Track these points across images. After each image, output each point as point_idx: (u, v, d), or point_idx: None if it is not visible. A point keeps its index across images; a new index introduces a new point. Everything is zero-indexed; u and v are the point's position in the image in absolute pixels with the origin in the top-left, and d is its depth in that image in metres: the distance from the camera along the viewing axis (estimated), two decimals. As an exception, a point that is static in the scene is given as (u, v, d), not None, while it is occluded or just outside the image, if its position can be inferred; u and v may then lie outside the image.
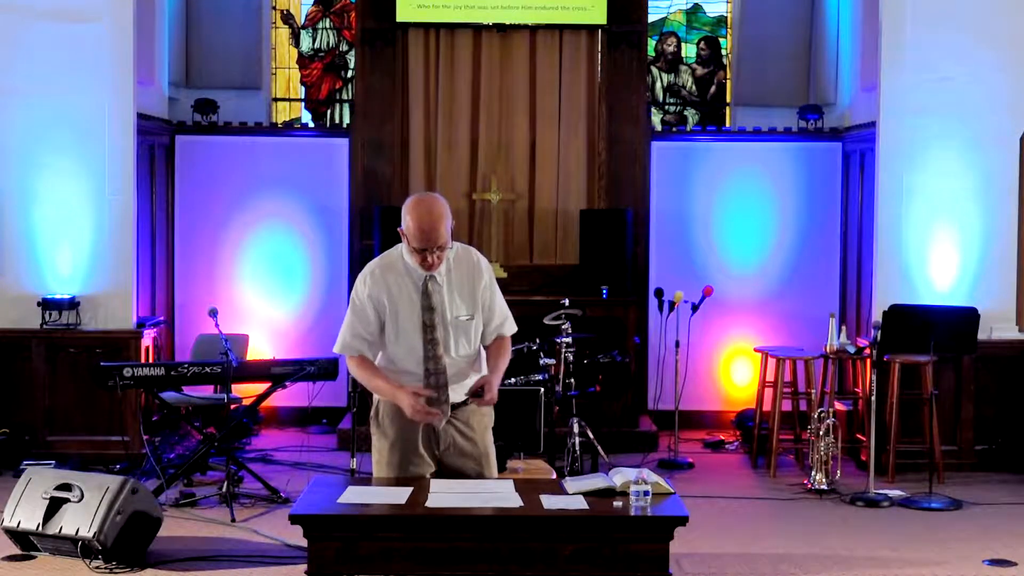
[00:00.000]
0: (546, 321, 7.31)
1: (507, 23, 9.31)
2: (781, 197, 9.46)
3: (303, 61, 10.23)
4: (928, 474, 7.33)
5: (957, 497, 7.18)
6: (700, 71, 10.25)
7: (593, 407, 7.80)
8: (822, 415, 7.38)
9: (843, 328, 7.95)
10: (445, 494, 4.09)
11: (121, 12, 7.90)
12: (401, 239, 4.36)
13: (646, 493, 3.96)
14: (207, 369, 7.00)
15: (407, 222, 4.29)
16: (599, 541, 3.89)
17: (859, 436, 8.07)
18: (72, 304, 7.87)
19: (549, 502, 4.04)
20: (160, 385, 7.05)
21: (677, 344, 8.32)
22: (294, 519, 3.91)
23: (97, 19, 7.85)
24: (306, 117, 10.22)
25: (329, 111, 10.22)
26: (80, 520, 5.59)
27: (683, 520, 3.91)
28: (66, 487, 5.71)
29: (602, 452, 7.39)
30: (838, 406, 7.92)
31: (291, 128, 9.94)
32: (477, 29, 9.36)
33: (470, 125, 9.43)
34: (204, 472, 7.34)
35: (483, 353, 4.52)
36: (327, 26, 10.23)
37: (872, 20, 8.39)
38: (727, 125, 9.98)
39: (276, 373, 7.17)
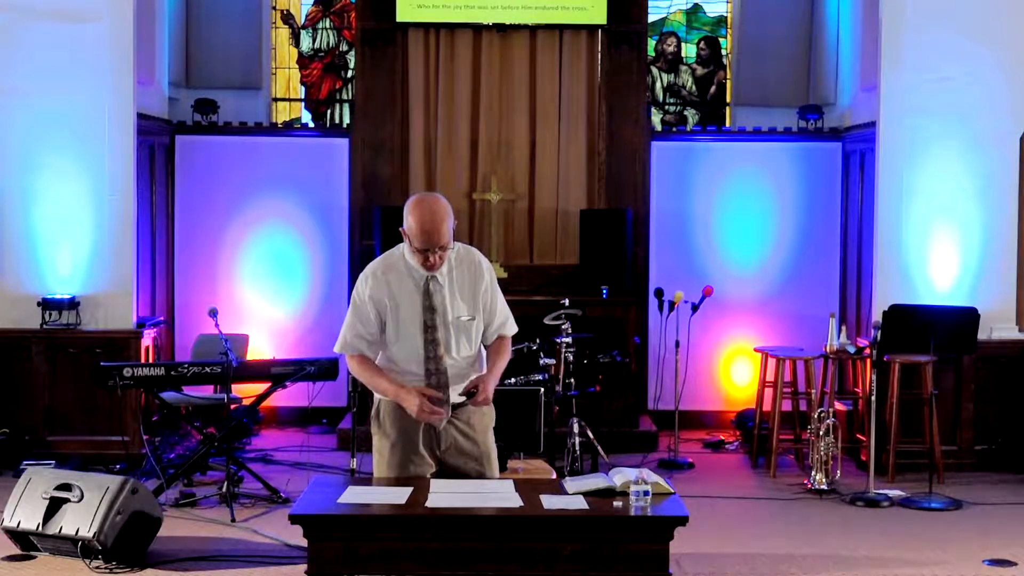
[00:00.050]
0: (546, 321, 7.31)
1: (507, 23, 9.31)
2: (781, 197, 9.46)
3: (303, 61, 10.23)
4: (928, 474, 7.33)
5: (957, 497, 7.18)
6: (700, 71, 10.26)
7: (593, 407, 7.80)
8: (822, 415, 7.38)
9: (843, 328, 7.95)
10: (445, 494, 4.09)
11: (121, 12, 7.90)
12: (403, 239, 4.36)
13: (646, 493, 3.96)
14: (207, 369, 7.00)
15: (409, 222, 4.29)
16: (599, 541, 3.89)
17: (859, 436, 8.07)
18: (72, 304, 7.87)
19: (549, 502, 4.04)
20: (160, 385, 7.05)
21: (677, 344, 8.32)
22: (294, 519, 3.91)
23: (97, 19, 7.85)
24: (306, 117, 10.22)
25: (329, 111, 10.22)
26: (80, 520, 5.59)
27: (683, 520, 3.91)
28: (66, 487, 5.71)
29: (602, 452, 7.39)
30: (838, 406, 7.92)
31: (291, 128, 9.94)
32: (477, 29, 9.37)
33: (470, 125, 9.43)
34: (204, 472, 7.34)
35: (483, 353, 4.52)
36: (327, 26, 10.24)
37: (872, 20, 8.39)
38: (727, 125, 9.98)
39: (276, 373, 7.17)
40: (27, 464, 6.94)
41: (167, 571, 5.65)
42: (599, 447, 7.36)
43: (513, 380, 6.78)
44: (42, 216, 7.91)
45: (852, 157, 9.21)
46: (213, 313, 7.03)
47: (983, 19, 7.89)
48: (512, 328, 4.56)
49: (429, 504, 3.98)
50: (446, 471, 4.43)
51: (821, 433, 7.32)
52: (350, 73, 10.09)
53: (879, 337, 7.18)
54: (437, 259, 4.30)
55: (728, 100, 10.17)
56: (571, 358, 7.28)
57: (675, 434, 8.25)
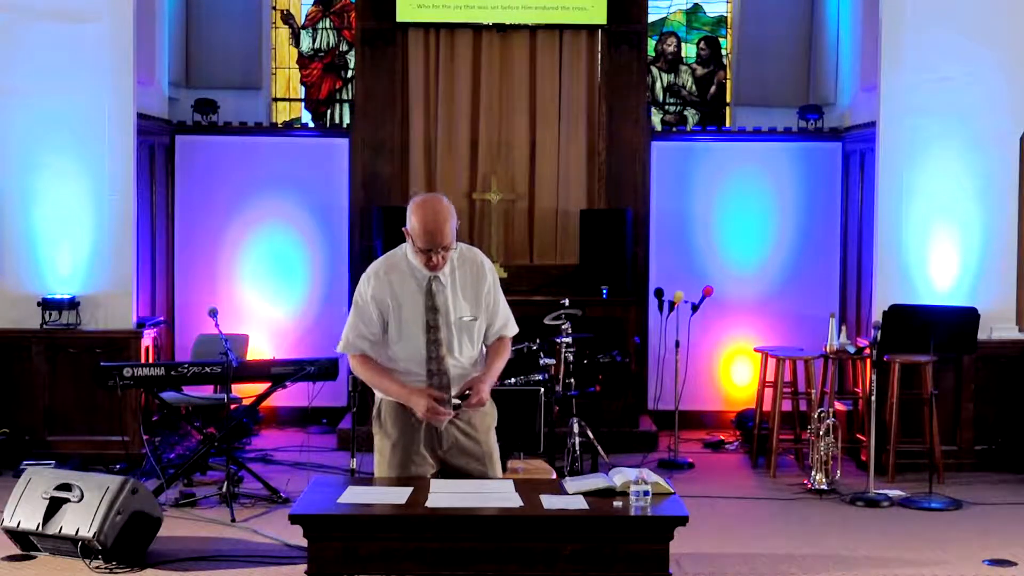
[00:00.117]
0: (546, 321, 7.31)
1: (507, 23, 9.31)
2: (781, 197, 9.46)
3: (303, 61, 10.23)
4: (928, 474, 7.33)
5: (957, 497, 7.18)
6: (700, 71, 10.26)
7: (593, 407, 7.80)
8: (822, 415, 7.38)
9: (843, 328, 7.95)
10: (445, 494, 4.09)
11: (121, 12, 7.90)
12: (406, 239, 4.36)
13: (646, 493, 3.96)
14: (207, 369, 7.00)
15: (412, 222, 4.29)
16: (599, 541, 3.89)
17: (859, 436, 8.07)
18: (72, 304, 7.87)
19: (549, 502, 4.04)
20: (160, 385, 7.05)
21: (677, 344, 8.32)
22: (294, 519, 3.91)
23: (97, 19, 7.85)
24: (306, 117, 10.22)
25: (329, 111, 10.22)
26: (80, 520, 5.59)
27: (683, 520, 3.91)
28: (66, 487, 5.71)
29: (602, 452, 7.39)
30: (838, 406, 7.92)
31: (291, 128, 9.94)
32: (477, 29, 9.37)
33: (470, 125, 9.43)
34: (204, 472, 7.34)
35: (484, 353, 4.52)
36: (327, 26, 10.23)
37: (872, 20, 8.39)
38: (727, 125, 9.98)
39: (276, 373, 7.17)
40: (27, 464, 6.94)
41: (167, 571, 5.65)
42: (599, 447, 7.36)
43: (513, 380, 6.78)
44: (42, 216, 7.91)
45: (852, 157, 9.21)
46: (213, 313, 7.03)
47: (983, 19, 7.89)
48: (513, 329, 4.56)
49: (429, 504, 3.98)
50: (449, 471, 4.43)
51: (821, 433, 7.32)
52: (350, 73, 10.09)
53: (879, 337, 7.18)
54: (440, 259, 4.30)
55: (728, 100, 10.17)
56: (571, 358, 7.28)
57: (675, 434, 8.25)
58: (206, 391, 7.62)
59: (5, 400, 7.86)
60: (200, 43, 9.83)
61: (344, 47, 10.20)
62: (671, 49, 10.23)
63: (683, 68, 10.26)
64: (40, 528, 5.66)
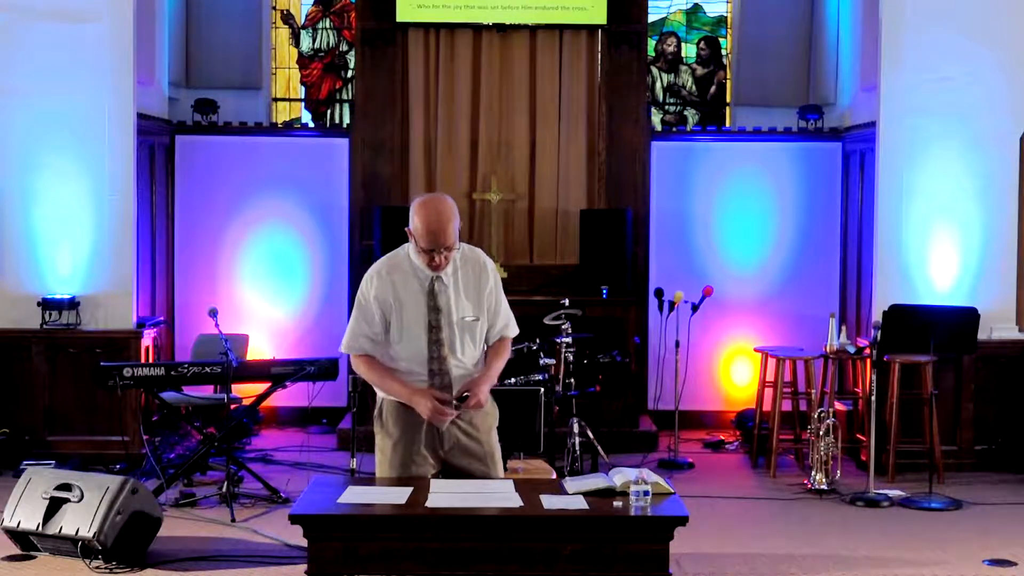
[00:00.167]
0: (546, 321, 7.31)
1: (507, 23, 9.31)
2: (781, 197, 9.46)
3: (303, 61, 10.23)
4: (928, 474, 7.33)
5: (957, 497, 7.18)
6: (700, 71, 10.25)
7: (593, 407, 7.80)
8: (822, 415, 7.38)
9: (843, 328, 7.95)
10: (445, 494, 4.09)
11: (121, 12, 7.90)
12: (408, 239, 4.37)
13: (646, 493, 3.97)
14: (207, 369, 7.00)
15: (415, 223, 4.29)
16: (599, 541, 3.89)
17: (859, 436, 8.07)
18: (72, 304, 7.87)
19: (549, 502, 4.04)
20: (160, 385, 7.05)
21: (677, 344, 8.32)
22: (294, 519, 3.91)
23: (97, 19, 7.85)
24: (306, 117, 10.22)
25: (329, 111, 10.22)
26: (80, 520, 5.59)
27: (683, 520, 3.91)
28: (66, 487, 5.71)
29: (602, 452, 7.39)
30: (838, 406, 7.92)
31: (291, 128, 9.94)
32: (477, 29, 9.37)
33: (470, 125, 9.43)
34: (204, 472, 7.34)
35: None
36: (327, 26, 10.23)
37: (872, 20, 8.39)
38: (727, 125, 9.98)
39: (276, 373, 7.17)
40: (27, 464, 6.94)
41: (167, 571, 5.65)
42: (599, 447, 7.36)
43: (513, 380, 6.79)
44: (42, 216, 7.91)
45: (852, 157, 9.21)
46: (213, 313, 7.03)
47: (983, 19, 7.89)
48: (514, 330, 4.57)
49: (429, 504, 3.98)
50: (450, 471, 4.43)
51: (821, 433, 7.32)
52: (350, 73, 10.09)
53: (879, 337, 7.18)
54: (442, 259, 4.30)
55: (728, 100, 10.17)
56: (571, 358, 7.28)
57: (675, 434, 8.25)
58: (206, 391, 7.62)
59: (5, 400, 7.86)
60: (200, 43, 9.83)
61: (344, 47, 10.21)
62: (671, 49, 10.23)
63: (683, 68, 10.26)
64: (40, 528, 5.66)
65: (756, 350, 8.43)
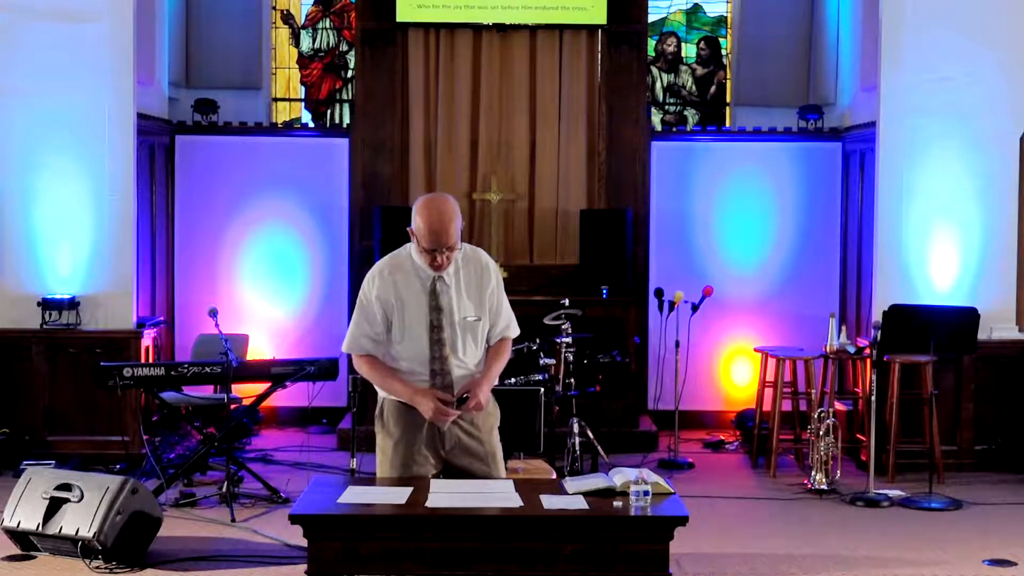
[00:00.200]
0: (546, 321, 7.31)
1: (507, 23, 9.31)
2: (781, 197, 9.46)
3: (303, 61, 10.23)
4: (928, 474, 7.32)
5: (957, 497, 7.18)
6: (700, 71, 10.25)
7: (593, 407, 7.80)
8: (822, 415, 7.38)
9: (843, 328, 7.94)
10: (445, 494, 4.09)
11: (121, 12, 7.90)
12: (411, 239, 4.37)
13: (646, 493, 3.97)
14: (207, 369, 7.00)
15: (417, 222, 4.29)
16: (599, 541, 3.89)
17: (859, 436, 8.07)
18: (72, 304, 7.87)
19: (549, 502, 4.04)
20: (160, 385, 7.05)
21: (677, 344, 8.32)
22: (294, 519, 3.91)
23: (97, 19, 7.85)
24: (306, 117, 10.22)
25: (329, 111, 10.22)
26: (80, 520, 5.59)
27: (683, 520, 3.92)
28: (66, 487, 5.71)
29: (602, 452, 7.39)
30: (838, 406, 7.92)
31: (291, 128, 9.94)
32: (477, 29, 9.37)
33: (470, 125, 9.43)
34: (204, 472, 7.34)
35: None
36: (327, 26, 10.23)
37: (872, 20, 8.39)
38: (727, 125, 9.98)
39: (276, 373, 7.17)
40: (27, 464, 6.94)
41: (167, 571, 5.65)
42: (599, 447, 7.36)
43: (513, 380, 6.79)
44: (42, 216, 7.91)
45: (852, 157, 9.21)
46: (213, 313, 7.03)
47: (983, 19, 7.89)
48: (515, 331, 4.57)
49: (429, 504, 3.98)
50: (452, 471, 4.43)
51: (821, 433, 7.32)
52: (350, 73, 10.09)
53: (879, 337, 7.18)
54: (444, 259, 4.30)
55: (728, 100, 10.17)
56: (571, 358, 7.28)
57: (675, 434, 8.25)
58: (206, 391, 7.62)
59: (5, 400, 7.86)
60: (200, 43, 9.83)
61: (344, 47, 10.20)
62: (671, 49, 10.23)
63: (683, 68, 10.26)
64: (40, 528, 5.66)
65: (756, 350, 8.43)
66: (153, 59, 8.92)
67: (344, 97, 10.17)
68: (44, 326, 7.86)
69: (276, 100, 10.19)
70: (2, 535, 5.87)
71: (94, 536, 5.52)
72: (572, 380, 7.25)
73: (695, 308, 8.34)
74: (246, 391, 7.47)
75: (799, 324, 9.22)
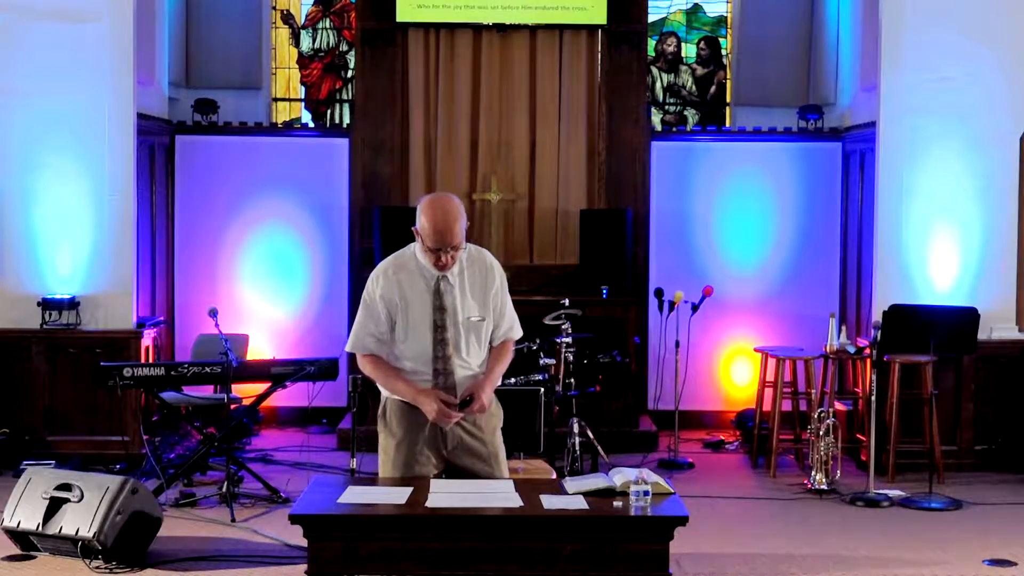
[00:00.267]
0: (546, 321, 7.31)
1: (507, 23, 9.31)
2: (781, 197, 9.46)
3: (303, 61, 10.23)
4: (928, 474, 7.32)
5: (957, 497, 7.18)
6: (700, 71, 10.25)
7: (593, 407, 7.80)
8: (822, 415, 7.38)
9: (843, 328, 7.95)
10: (445, 494, 4.09)
11: (121, 12, 7.90)
12: (415, 238, 4.37)
13: (646, 493, 3.97)
14: (207, 369, 7.00)
15: (422, 221, 4.29)
16: (599, 541, 3.89)
17: (859, 436, 8.07)
18: (72, 304, 7.87)
19: (549, 502, 4.04)
20: (160, 385, 7.05)
21: (677, 344, 8.32)
22: (294, 519, 3.91)
23: (97, 19, 7.85)
24: (306, 117, 10.22)
25: (329, 111, 10.22)
26: (80, 520, 5.59)
27: (683, 520, 3.92)
28: (66, 487, 5.71)
29: (602, 452, 7.39)
30: (838, 406, 7.92)
31: (291, 128, 9.94)
32: (477, 29, 9.36)
33: (470, 125, 9.43)
34: (204, 472, 7.34)
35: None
36: (327, 26, 10.23)
37: (872, 20, 8.39)
38: (727, 125, 9.98)
39: (276, 373, 7.17)
40: (27, 464, 6.94)
41: (167, 571, 5.65)
42: (599, 447, 7.36)
43: (513, 380, 6.78)
44: (42, 216, 7.91)
45: (852, 157, 9.21)
46: (213, 313, 7.03)
47: (983, 19, 7.89)
48: (518, 332, 4.57)
49: (429, 504, 3.98)
50: (454, 471, 4.43)
51: (821, 433, 7.32)
52: (350, 73, 10.09)
53: (879, 337, 7.18)
54: (449, 259, 4.30)
55: (728, 100, 10.17)
56: (571, 358, 7.28)
57: (675, 434, 8.25)
58: (206, 391, 7.62)
59: (5, 400, 7.86)
60: (200, 43, 9.83)
61: (344, 47, 10.20)
62: (671, 49, 10.23)
63: (683, 68, 10.26)
64: (40, 528, 5.66)
65: (756, 350, 8.43)
66: (153, 59, 8.92)
67: (344, 97, 10.17)
68: (44, 326, 7.86)
69: (276, 100, 10.19)
70: (2, 535, 5.87)
71: (94, 536, 5.52)
72: (572, 380, 7.25)
73: (695, 308, 8.34)
74: (246, 391, 7.47)
75: (799, 324, 9.22)
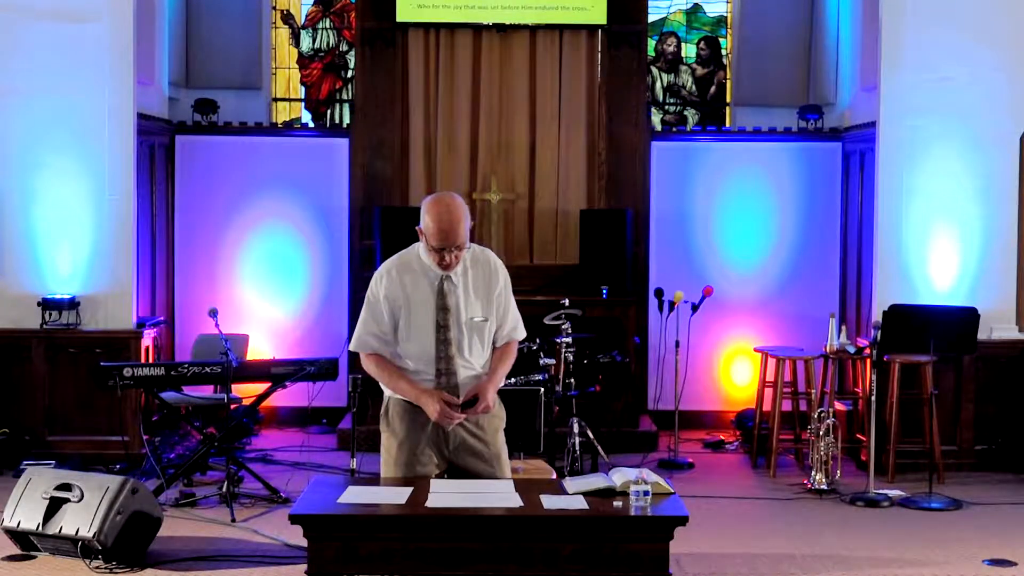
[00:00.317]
0: (546, 321, 7.31)
1: (507, 23, 9.31)
2: (781, 197, 9.46)
3: (303, 61, 10.23)
4: (928, 474, 7.32)
5: (957, 497, 7.18)
6: (700, 71, 10.25)
7: (593, 407, 7.80)
8: (822, 415, 7.38)
9: (843, 328, 7.94)
10: (445, 494, 4.09)
11: (121, 12, 7.90)
12: (419, 238, 4.36)
13: (646, 493, 3.97)
14: (207, 369, 7.00)
15: (426, 221, 4.29)
16: (599, 541, 3.89)
17: (859, 436, 8.06)
18: (72, 304, 7.87)
19: (549, 502, 4.04)
20: (160, 385, 7.05)
21: (677, 344, 8.32)
22: (294, 519, 3.91)
23: (97, 19, 7.85)
24: (306, 117, 10.22)
25: (329, 111, 10.21)
26: (80, 520, 5.59)
27: (683, 520, 3.92)
28: (66, 487, 5.71)
29: (602, 452, 7.39)
30: (838, 406, 7.92)
31: (291, 128, 9.94)
32: (477, 29, 9.36)
33: (470, 125, 9.43)
34: (204, 472, 7.34)
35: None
36: (327, 26, 10.23)
37: (872, 20, 8.39)
38: (727, 125, 9.98)
39: (276, 373, 7.17)
40: (27, 464, 6.95)
41: (167, 571, 5.65)
42: (599, 447, 7.36)
43: (513, 380, 6.78)
44: (42, 216, 7.91)
45: (852, 157, 9.21)
46: (213, 313, 7.04)
47: (983, 19, 7.89)
48: (521, 333, 4.57)
49: (429, 504, 3.98)
50: (456, 471, 4.43)
51: (821, 433, 7.32)
52: (350, 73, 10.09)
53: (879, 337, 7.18)
54: (453, 259, 4.30)
55: (728, 100, 10.17)
56: (571, 358, 7.28)
57: (675, 434, 8.25)
58: (206, 391, 7.62)
59: (5, 400, 7.86)
60: (200, 43, 9.83)
61: (344, 47, 10.20)
62: (671, 49, 10.23)
63: (683, 68, 10.26)
64: (40, 528, 5.66)
65: (756, 350, 8.43)
66: (153, 59, 8.93)
67: (344, 97, 10.17)
68: (44, 326, 7.86)
69: (276, 100, 10.19)
70: (2, 535, 5.87)
71: (94, 536, 5.52)
72: (572, 380, 7.25)
73: (695, 308, 8.34)
74: (246, 391, 7.48)
75: (799, 324, 9.22)
